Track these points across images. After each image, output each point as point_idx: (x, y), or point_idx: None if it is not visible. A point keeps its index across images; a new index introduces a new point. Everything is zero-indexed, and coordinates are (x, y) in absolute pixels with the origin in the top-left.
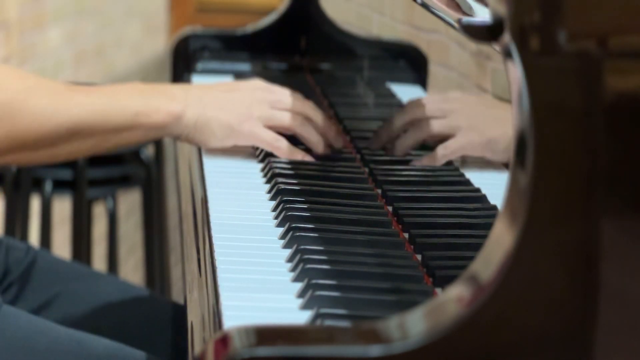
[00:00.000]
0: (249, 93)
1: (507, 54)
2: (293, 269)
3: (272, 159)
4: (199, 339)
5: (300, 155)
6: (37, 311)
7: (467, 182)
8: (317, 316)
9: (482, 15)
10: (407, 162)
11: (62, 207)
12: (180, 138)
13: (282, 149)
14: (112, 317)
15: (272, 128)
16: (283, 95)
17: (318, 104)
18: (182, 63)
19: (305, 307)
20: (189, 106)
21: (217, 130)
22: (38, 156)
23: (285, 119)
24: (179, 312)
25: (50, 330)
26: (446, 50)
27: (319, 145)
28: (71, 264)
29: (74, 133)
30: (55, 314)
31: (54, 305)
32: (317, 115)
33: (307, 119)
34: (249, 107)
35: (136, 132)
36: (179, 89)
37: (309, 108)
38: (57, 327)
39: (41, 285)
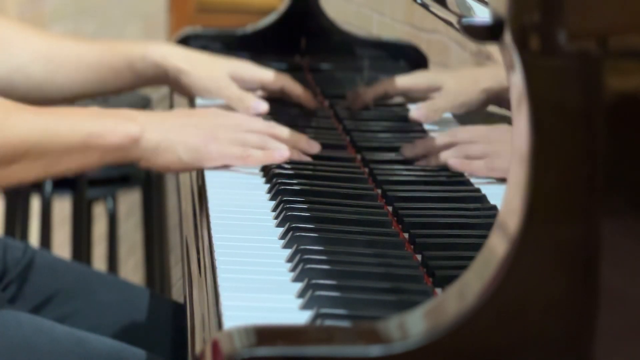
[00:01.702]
0: (211, 118)
1: (507, 54)
2: (293, 269)
3: None
4: (199, 339)
5: (276, 155)
6: (35, 310)
7: (467, 182)
8: (317, 316)
9: (482, 15)
10: (407, 162)
11: (62, 207)
12: (140, 162)
13: (254, 157)
14: (112, 316)
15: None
16: (243, 119)
17: (318, 104)
18: None
19: (305, 307)
20: (148, 129)
21: (182, 154)
22: None
23: (250, 139)
24: (179, 312)
25: (51, 329)
26: (446, 50)
27: (292, 154)
28: (70, 263)
29: (22, 153)
30: (54, 313)
31: (52, 304)
32: (282, 131)
33: (273, 136)
34: (213, 130)
35: (90, 155)
36: (138, 112)
37: (272, 126)
38: (57, 326)
39: (40, 284)
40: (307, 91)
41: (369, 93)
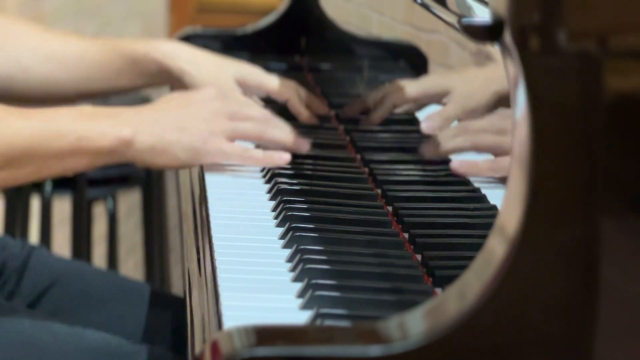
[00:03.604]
0: (205, 105)
1: (507, 54)
2: (293, 269)
3: None
4: (199, 338)
5: (276, 158)
6: (33, 304)
7: (467, 182)
8: (317, 316)
9: (482, 15)
10: (406, 162)
11: (62, 207)
12: (136, 163)
13: (255, 158)
14: (110, 311)
15: (236, 139)
16: (241, 104)
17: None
18: None
19: (305, 307)
20: (141, 131)
21: (180, 154)
22: None
23: (248, 129)
24: (179, 306)
25: (50, 325)
26: (446, 50)
27: (290, 144)
28: (67, 259)
29: (9, 159)
30: (51, 306)
31: (49, 298)
32: (277, 122)
33: (270, 123)
34: (209, 123)
35: (81, 159)
36: (130, 111)
37: (268, 115)
38: (56, 322)
39: (37, 278)
40: (310, 113)
41: (379, 112)
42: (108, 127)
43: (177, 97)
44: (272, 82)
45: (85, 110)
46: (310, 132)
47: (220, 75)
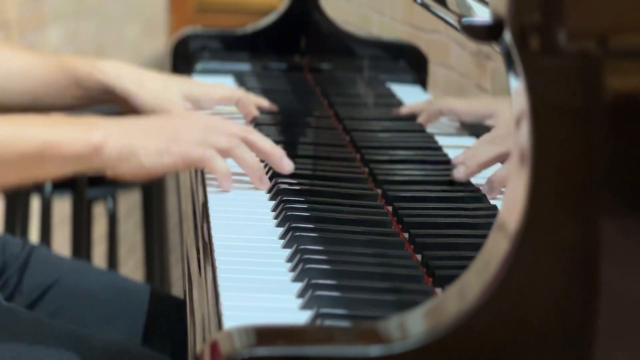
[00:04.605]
0: (182, 119)
1: (507, 54)
2: (293, 269)
3: None
4: (199, 338)
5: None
6: (33, 304)
7: (467, 182)
8: (317, 316)
9: (482, 15)
10: (406, 162)
11: (62, 207)
12: (106, 172)
13: (216, 165)
14: (109, 312)
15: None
16: (217, 121)
17: (318, 104)
18: (182, 63)
19: (305, 307)
20: (111, 136)
21: (144, 160)
22: None
23: (219, 140)
24: (180, 307)
25: (50, 325)
26: (446, 50)
27: (254, 171)
28: (68, 259)
29: None
30: (50, 308)
31: (49, 297)
32: (258, 138)
33: (248, 142)
34: (178, 131)
35: (48, 165)
36: (103, 119)
37: (248, 131)
38: (57, 323)
39: (37, 277)
40: (260, 100)
41: (424, 116)
42: (76, 132)
43: (154, 115)
44: (218, 90)
45: (55, 117)
46: (310, 132)
47: (166, 94)
